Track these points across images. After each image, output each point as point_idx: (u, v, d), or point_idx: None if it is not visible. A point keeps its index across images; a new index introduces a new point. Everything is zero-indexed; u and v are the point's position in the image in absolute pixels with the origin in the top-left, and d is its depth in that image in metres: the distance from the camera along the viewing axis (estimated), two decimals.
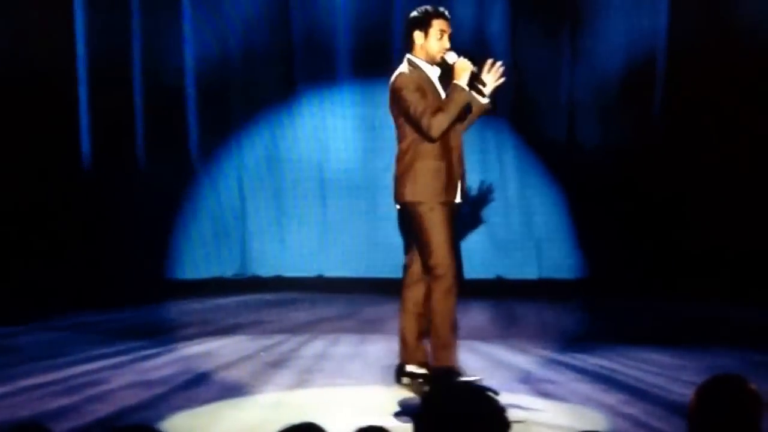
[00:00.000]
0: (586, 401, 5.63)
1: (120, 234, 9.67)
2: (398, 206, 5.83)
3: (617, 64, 9.62)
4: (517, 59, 9.56)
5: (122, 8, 9.80)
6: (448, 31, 5.76)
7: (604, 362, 6.59)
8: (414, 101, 5.63)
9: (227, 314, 8.82)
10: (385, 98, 9.60)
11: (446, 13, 5.79)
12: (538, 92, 9.71)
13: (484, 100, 5.79)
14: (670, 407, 5.37)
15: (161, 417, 5.35)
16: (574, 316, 8.59)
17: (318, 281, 10.08)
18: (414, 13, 5.82)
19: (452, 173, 5.71)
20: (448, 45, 5.75)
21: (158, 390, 5.94)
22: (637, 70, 9.56)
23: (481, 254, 9.82)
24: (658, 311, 8.83)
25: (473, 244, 9.79)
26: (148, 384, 6.10)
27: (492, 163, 9.83)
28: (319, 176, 10.08)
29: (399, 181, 5.74)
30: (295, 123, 10.06)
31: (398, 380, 5.89)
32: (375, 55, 9.81)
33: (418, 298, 5.85)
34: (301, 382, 6.16)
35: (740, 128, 9.21)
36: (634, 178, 9.60)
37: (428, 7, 5.80)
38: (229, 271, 10.11)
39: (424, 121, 5.60)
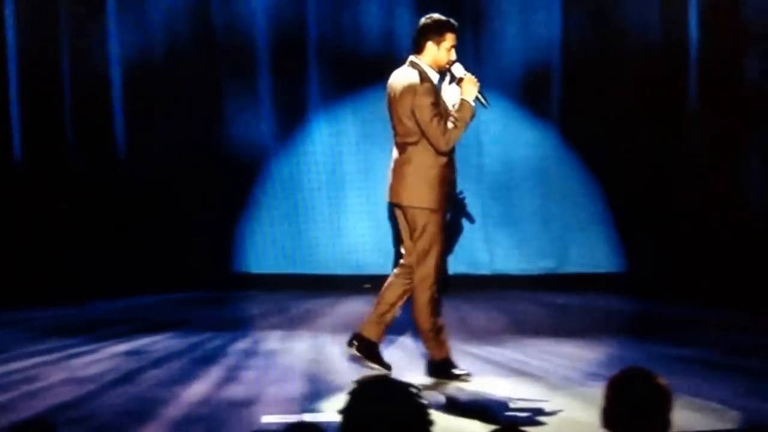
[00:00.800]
0: (500, 394, 5.81)
1: (51, 229, 9.65)
2: (395, 205, 6.15)
3: (517, 65, 9.93)
4: None
5: (48, 6, 9.80)
6: (456, 44, 5.99)
7: (516, 355, 6.78)
8: (435, 114, 5.88)
9: (156, 312, 8.88)
10: (305, 90, 9.99)
11: (456, 26, 6.03)
12: None
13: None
14: (580, 397, 5.56)
15: (94, 413, 5.46)
16: (480, 311, 8.78)
17: (246, 278, 10.14)
18: (428, 21, 6.05)
19: (453, 181, 6.07)
20: (455, 57, 5.99)
21: (91, 386, 6.02)
22: (535, 72, 9.89)
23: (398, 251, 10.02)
24: (563, 305, 9.09)
25: (389, 241, 10.03)
26: (81, 381, 6.18)
27: None
28: (247, 172, 10.11)
29: (405, 183, 6.01)
30: (221, 117, 10.09)
31: (350, 343, 6.15)
32: (292, 48, 9.98)
33: (399, 293, 6.13)
34: (229, 379, 6.25)
35: (632, 128, 9.71)
36: (535, 176, 9.96)
37: (441, 18, 6.03)
38: (160, 267, 10.10)
39: (444, 138, 5.88)
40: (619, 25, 9.86)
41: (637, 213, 9.84)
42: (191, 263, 9.90)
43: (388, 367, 6.12)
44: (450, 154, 6.01)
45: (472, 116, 5.97)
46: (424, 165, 5.97)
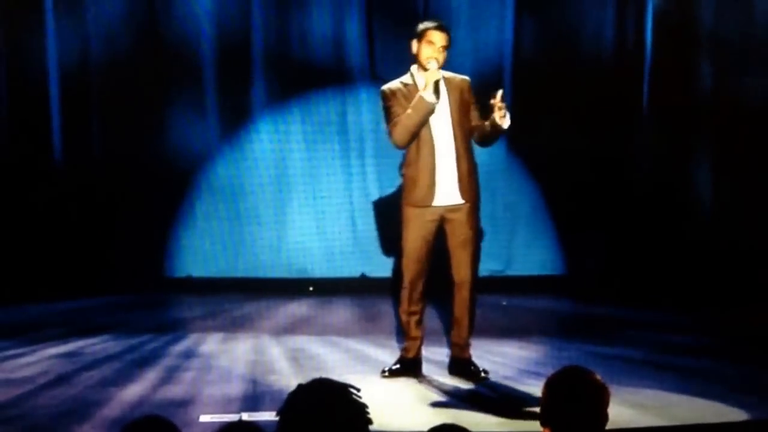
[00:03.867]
0: (444, 393, 5.85)
1: None
2: None
3: (467, 72, 9.90)
4: (376, 68, 9.82)
5: None
6: (436, 42, 6.05)
7: None
8: (387, 115, 6.09)
9: (92, 315, 8.76)
10: (250, 96, 9.95)
11: (435, 24, 6.11)
12: None
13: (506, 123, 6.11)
14: (519, 396, 5.66)
15: (28, 413, 5.39)
16: (431, 312, 8.77)
17: (185, 281, 10.03)
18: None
19: (422, 178, 6.03)
20: (430, 55, 6.04)
21: (24, 389, 5.95)
22: (486, 79, 9.89)
23: (345, 253, 10.01)
24: (507, 306, 9.12)
25: (339, 243, 10.01)
26: (13, 383, 6.11)
27: (355, 167, 10.03)
28: (190, 176, 9.98)
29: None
30: (165, 122, 9.98)
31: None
32: (237, 58, 9.93)
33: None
34: (167, 379, 6.21)
35: (583, 134, 9.78)
36: (489, 184, 9.99)
37: (423, 22, 6.19)
38: (97, 271, 9.83)
39: (390, 137, 6.06)
40: (573, 31, 9.92)
41: (584, 218, 9.91)
42: (131, 267, 9.75)
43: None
44: (417, 151, 6.04)
45: (426, 110, 5.97)
46: (403, 164, 6.21)
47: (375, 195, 9.99)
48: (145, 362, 6.73)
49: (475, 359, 6.33)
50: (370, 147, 10.03)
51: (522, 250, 10.06)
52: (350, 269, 10.03)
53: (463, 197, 6.09)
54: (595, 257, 9.94)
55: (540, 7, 10.03)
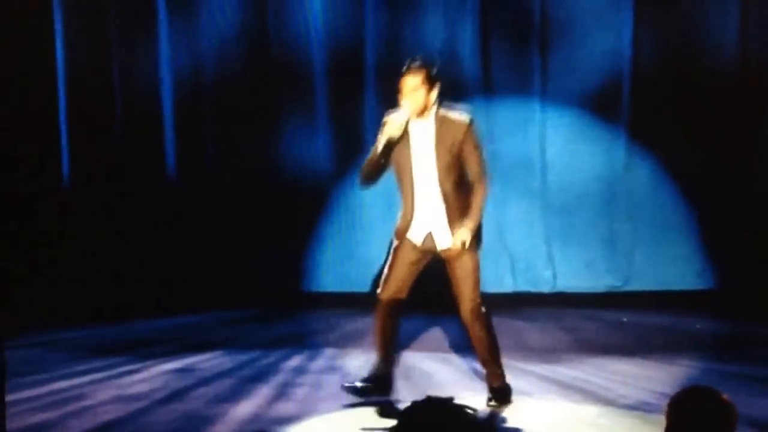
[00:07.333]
0: (561, 413, 5.72)
1: (96, 248, 9.68)
2: None
3: (585, 82, 9.76)
4: (489, 79, 9.72)
5: (100, 27, 9.86)
6: (403, 89, 6.06)
7: (575, 373, 6.65)
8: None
9: (205, 330, 8.85)
10: (363, 110, 9.95)
11: (405, 67, 6.10)
12: (509, 111, 9.82)
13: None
14: (640, 417, 5.48)
15: (141, 431, 5.42)
16: (542, 329, 8.63)
17: (299, 297, 10.03)
18: None
19: (406, 216, 6.00)
20: (402, 97, 6.08)
21: (138, 405, 6.00)
22: (604, 89, 9.71)
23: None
24: (628, 323, 8.93)
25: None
26: (128, 399, 6.16)
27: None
28: (301, 191, 10.01)
29: None
30: (276, 137, 10.06)
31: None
32: (349, 70, 9.93)
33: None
34: (279, 396, 6.20)
35: (706, 143, 9.53)
36: (603, 192, 9.78)
37: None
38: (209, 286, 9.97)
39: None
40: (694, 37, 9.66)
41: (711, 229, 9.64)
42: (242, 282, 9.84)
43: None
44: (402, 189, 6.03)
45: (380, 153, 5.95)
46: None
47: (488, 209, 9.86)
48: (257, 378, 6.74)
49: (591, 378, 6.14)
50: None
51: (643, 265, 9.81)
52: None
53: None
54: (720, 272, 9.66)
55: (660, 14, 9.78)
